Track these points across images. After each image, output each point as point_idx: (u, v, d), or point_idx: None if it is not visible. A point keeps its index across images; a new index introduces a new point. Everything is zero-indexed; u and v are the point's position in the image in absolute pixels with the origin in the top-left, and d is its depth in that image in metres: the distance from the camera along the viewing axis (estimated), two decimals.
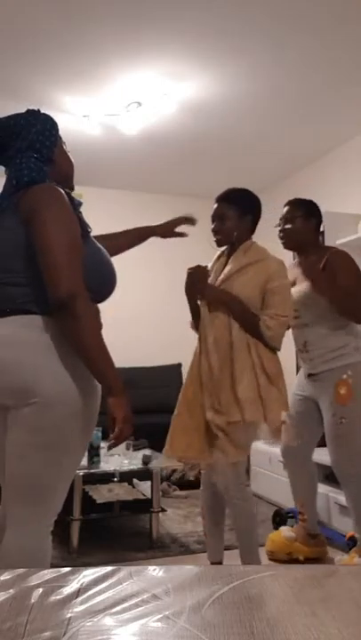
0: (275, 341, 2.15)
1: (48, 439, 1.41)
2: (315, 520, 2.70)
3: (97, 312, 1.50)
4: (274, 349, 2.16)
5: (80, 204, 1.56)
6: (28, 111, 1.62)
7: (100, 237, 1.79)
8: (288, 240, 2.58)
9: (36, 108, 1.63)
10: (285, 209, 2.61)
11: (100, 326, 1.45)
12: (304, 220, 2.55)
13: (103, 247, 1.64)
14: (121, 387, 1.44)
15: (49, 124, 1.60)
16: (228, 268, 2.28)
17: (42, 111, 1.65)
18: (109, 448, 1.50)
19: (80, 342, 1.40)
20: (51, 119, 1.62)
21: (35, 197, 1.45)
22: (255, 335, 2.13)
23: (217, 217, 2.33)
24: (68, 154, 1.67)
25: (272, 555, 2.69)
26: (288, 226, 2.56)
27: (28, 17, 2.66)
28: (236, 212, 2.31)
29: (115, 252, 1.88)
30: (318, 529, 2.72)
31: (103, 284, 1.58)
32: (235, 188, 2.37)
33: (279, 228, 2.61)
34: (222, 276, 2.27)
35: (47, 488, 1.45)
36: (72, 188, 1.69)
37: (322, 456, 2.71)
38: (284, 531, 2.75)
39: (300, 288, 2.52)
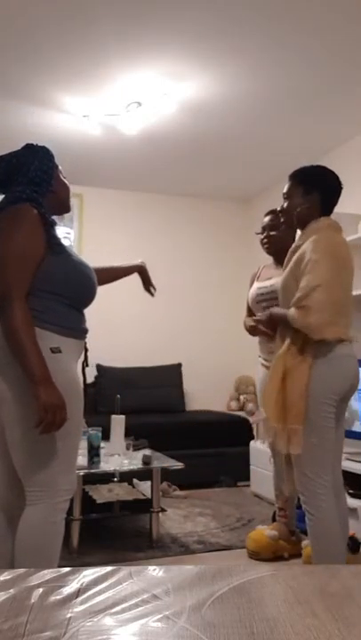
0: (308, 331, 1.99)
1: (24, 428, 1.63)
2: (294, 517, 2.77)
3: (29, 317, 1.64)
4: (321, 339, 2.00)
5: (55, 223, 1.74)
6: (27, 146, 1.80)
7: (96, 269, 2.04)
8: (272, 245, 2.80)
9: (33, 143, 1.81)
10: (268, 218, 2.82)
11: (29, 324, 1.61)
12: (287, 227, 2.62)
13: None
14: (42, 376, 1.58)
15: (46, 158, 1.80)
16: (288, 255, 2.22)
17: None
18: (40, 433, 1.60)
19: (10, 336, 1.60)
20: (47, 152, 1.81)
21: (2, 215, 1.68)
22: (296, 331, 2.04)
23: (283, 196, 2.26)
24: (64, 180, 1.87)
25: (257, 555, 2.69)
26: (273, 232, 2.77)
27: (28, 17, 2.66)
28: (297, 190, 2.19)
29: (102, 282, 2.10)
30: (296, 525, 2.78)
31: (82, 292, 1.79)
32: (309, 165, 2.28)
33: (261, 236, 2.82)
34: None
35: (43, 470, 1.65)
36: (68, 210, 1.91)
37: None
38: (265, 530, 2.75)
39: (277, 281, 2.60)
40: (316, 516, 2.02)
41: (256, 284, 2.87)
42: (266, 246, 2.84)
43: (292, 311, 2.02)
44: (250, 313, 2.90)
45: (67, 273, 1.73)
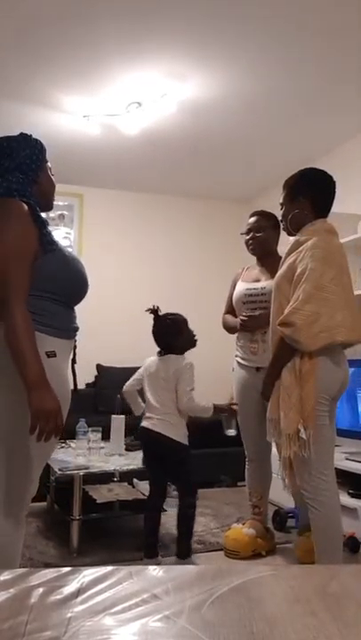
0: (300, 348, 2.05)
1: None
2: (267, 514, 2.88)
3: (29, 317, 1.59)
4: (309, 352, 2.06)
5: (45, 221, 1.70)
6: (21, 135, 1.77)
7: None
8: (257, 247, 2.84)
9: (28, 133, 1.79)
10: (253, 219, 2.86)
11: (30, 327, 1.56)
12: (273, 230, 2.82)
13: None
14: (37, 381, 1.52)
15: (37, 149, 1.76)
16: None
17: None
18: (37, 440, 1.54)
19: (11, 340, 1.54)
20: (40, 144, 1.79)
21: None
22: (291, 352, 2.09)
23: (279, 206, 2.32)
24: (52, 177, 1.83)
25: (237, 554, 2.71)
26: (258, 234, 2.82)
27: (28, 17, 2.66)
28: (287, 197, 2.25)
29: None
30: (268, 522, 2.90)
31: (73, 289, 1.77)
32: (298, 170, 2.30)
33: (247, 237, 2.85)
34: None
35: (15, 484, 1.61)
36: (50, 208, 1.86)
37: None
38: (243, 529, 2.78)
39: (269, 282, 2.64)
40: (319, 511, 2.07)
41: (243, 284, 2.89)
42: (251, 247, 2.88)
43: (282, 329, 2.07)
44: (230, 311, 2.98)
45: (58, 270, 1.70)
